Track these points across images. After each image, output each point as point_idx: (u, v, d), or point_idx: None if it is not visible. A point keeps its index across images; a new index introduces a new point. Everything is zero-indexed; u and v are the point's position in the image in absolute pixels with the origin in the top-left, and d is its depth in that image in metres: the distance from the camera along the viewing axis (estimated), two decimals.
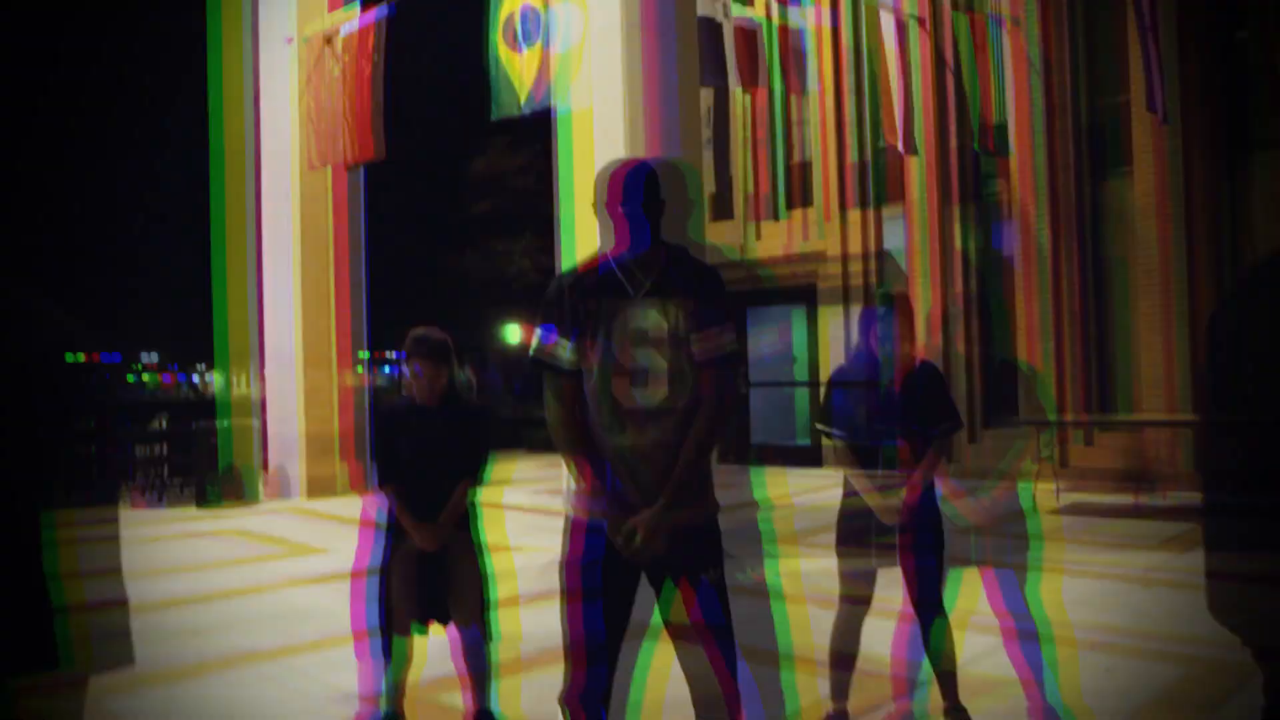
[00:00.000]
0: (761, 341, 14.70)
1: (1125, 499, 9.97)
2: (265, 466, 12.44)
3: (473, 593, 3.94)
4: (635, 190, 2.79)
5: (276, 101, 12.41)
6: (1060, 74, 11.38)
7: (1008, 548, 4.64)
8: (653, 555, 2.76)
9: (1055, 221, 11.38)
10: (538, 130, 9.81)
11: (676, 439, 2.81)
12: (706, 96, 14.01)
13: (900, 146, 11.61)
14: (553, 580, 2.96)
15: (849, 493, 3.98)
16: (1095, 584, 6.51)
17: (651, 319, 2.81)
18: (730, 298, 2.93)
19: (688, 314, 2.82)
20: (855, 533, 3.95)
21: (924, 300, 12.27)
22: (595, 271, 2.87)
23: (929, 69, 12.21)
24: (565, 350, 2.84)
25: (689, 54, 8.80)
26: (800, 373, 14.30)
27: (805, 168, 13.88)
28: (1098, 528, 8.72)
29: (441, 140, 22.58)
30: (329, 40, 12.26)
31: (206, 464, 11.70)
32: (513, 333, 34.04)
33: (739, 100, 14.45)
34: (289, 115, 12.10)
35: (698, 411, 2.82)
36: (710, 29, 9.47)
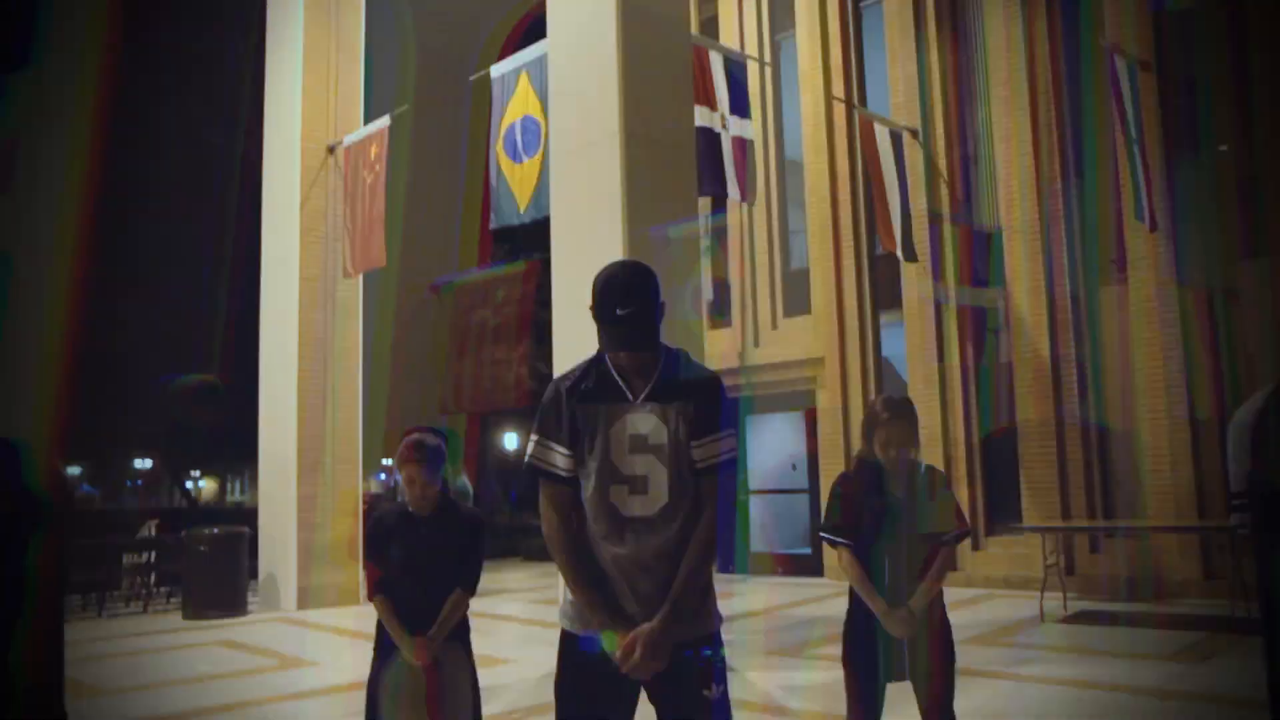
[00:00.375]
0: (761, 448, 14.59)
1: (1134, 607, 9.80)
2: (255, 575, 12.20)
3: (465, 710, 3.77)
4: (633, 293, 2.75)
5: (279, 209, 12.54)
6: (1053, 184, 11.54)
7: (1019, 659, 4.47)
8: (654, 672, 2.64)
9: (1053, 328, 11.42)
10: (538, 240, 9.89)
11: (677, 549, 2.71)
12: (704, 204, 14.17)
13: (899, 253, 11.73)
14: (547, 695, 2.84)
15: (854, 603, 3.86)
16: (1110, 696, 6.30)
17: (650, 424, 2.74)
18: (729, 404, 2.87)
19: (687, 419, 2.75)
20: (862, 644, 3.81)
21: (933, 409, 12.19)
22: (592, 375, 2.81)
23: (921, 178, 12.43)
24: (561, 457, 2.77)
25: (685, 162, 8.90)
26: (800, 479, 14.14)
27: (803, 275, 13.98)
28: (1108, 636, 8.51)
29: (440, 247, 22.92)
30: (331, 151, 12.50)
31: (194, 572, 11.45)
32: (510, 439, 33.93)
33: (736, 209, 14.63)
34: (293, 224, 12.22)
35: (699, 520, 2.73)
36: (709, 139, 9.59)
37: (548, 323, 8.85)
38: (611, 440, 2.75)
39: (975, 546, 11.88)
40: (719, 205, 14.71)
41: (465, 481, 13.27)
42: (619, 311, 2.71)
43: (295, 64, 12.50)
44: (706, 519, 2.75)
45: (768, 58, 14.45)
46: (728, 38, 14.70)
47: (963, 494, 11.79)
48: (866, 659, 3.78)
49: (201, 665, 8.44)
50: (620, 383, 2.79)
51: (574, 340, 8.01)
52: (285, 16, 12.80)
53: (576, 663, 2.75)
